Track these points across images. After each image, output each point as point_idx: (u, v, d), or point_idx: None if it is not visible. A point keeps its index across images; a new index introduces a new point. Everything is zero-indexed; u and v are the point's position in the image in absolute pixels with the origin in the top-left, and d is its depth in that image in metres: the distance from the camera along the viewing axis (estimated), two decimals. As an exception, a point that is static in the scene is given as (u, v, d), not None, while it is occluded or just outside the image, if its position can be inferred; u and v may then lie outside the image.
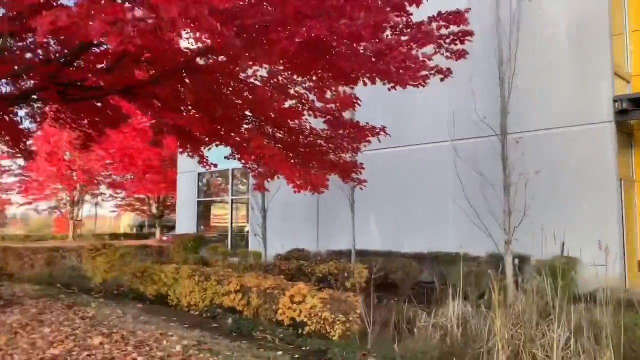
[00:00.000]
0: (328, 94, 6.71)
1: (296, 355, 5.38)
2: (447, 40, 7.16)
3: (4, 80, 6.57)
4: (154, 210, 35.87)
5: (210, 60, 6.06)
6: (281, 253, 13.78)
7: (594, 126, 10.34)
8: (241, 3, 5.79)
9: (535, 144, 10.90)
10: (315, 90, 6.62)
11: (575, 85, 10.68)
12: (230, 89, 6.51)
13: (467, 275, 7.91)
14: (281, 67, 6.14)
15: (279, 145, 7.87)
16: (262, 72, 6.50)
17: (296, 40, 5.55)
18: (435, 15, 7.01)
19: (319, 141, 8.75)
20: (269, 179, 7.75)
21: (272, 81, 6.42)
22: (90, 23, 4.45)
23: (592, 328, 4.89)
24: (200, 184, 20.21)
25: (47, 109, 9.75)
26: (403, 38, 6.42)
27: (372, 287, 7.05)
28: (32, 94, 6.49)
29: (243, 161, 7.78)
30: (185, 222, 20.47)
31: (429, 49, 7.01)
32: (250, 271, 10.15)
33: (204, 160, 8.23)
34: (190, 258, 15.54)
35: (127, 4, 4.50)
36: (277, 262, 12.45)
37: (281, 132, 8.58)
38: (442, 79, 7.38)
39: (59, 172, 32.07)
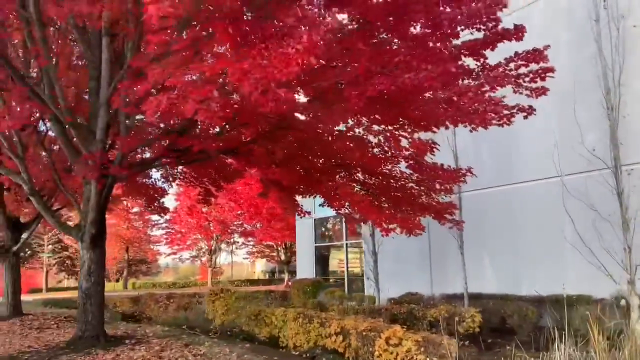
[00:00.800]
0: (404, 142, 7.04)
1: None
2: (527, 79, 7.14)
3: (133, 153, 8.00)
4: (282, 256, 37.82)
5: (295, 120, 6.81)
6: (395, 297, 13.85)
7: None
8: (316, 67, 6.47)
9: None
10: (391, 139, 7.00)
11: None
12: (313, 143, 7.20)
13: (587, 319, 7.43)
14: (355, 121, 6.67)
15: (369, 191, 8.29)
16: (342, 126, 7.10)
17: (366, 95, 6.04)
18: (514, 55, 7.10)
19: (410, 184, 9.01)
20: (361, 224, 8.18)
21: (349, 134, 6.96)
22: (185, 103, 5.36)
23: None
24: (317, 230, 21.14)
25: (176, 170, 11.33)
26: (475, 82, 6.59)
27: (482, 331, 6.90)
28: (156, 160, 7.76)
29: (335, 208, 8.32)
30: (305, 267, 21.43)
31: (506, 89, 7.07)
32: (362, 315, 10.39)
33: (299, 209, 8.93)
34: (309, 302, 16.18)
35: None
36: (389, 306, 12.53)
37: (372, 178, 9.02)
38: (525, 117, 7.34)
39: (198, 224, 35.53)
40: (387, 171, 8.77)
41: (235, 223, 37.07)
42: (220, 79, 5.64)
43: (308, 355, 8.00)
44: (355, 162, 7.53)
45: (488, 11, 6.23)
